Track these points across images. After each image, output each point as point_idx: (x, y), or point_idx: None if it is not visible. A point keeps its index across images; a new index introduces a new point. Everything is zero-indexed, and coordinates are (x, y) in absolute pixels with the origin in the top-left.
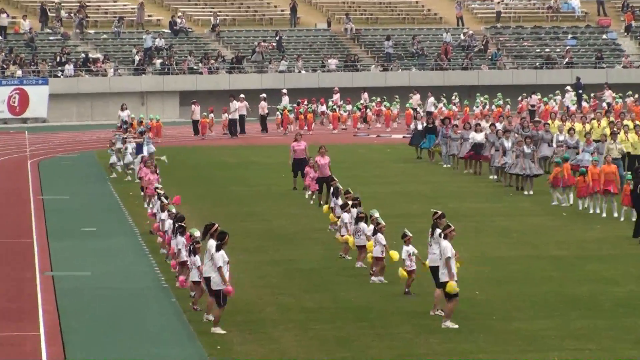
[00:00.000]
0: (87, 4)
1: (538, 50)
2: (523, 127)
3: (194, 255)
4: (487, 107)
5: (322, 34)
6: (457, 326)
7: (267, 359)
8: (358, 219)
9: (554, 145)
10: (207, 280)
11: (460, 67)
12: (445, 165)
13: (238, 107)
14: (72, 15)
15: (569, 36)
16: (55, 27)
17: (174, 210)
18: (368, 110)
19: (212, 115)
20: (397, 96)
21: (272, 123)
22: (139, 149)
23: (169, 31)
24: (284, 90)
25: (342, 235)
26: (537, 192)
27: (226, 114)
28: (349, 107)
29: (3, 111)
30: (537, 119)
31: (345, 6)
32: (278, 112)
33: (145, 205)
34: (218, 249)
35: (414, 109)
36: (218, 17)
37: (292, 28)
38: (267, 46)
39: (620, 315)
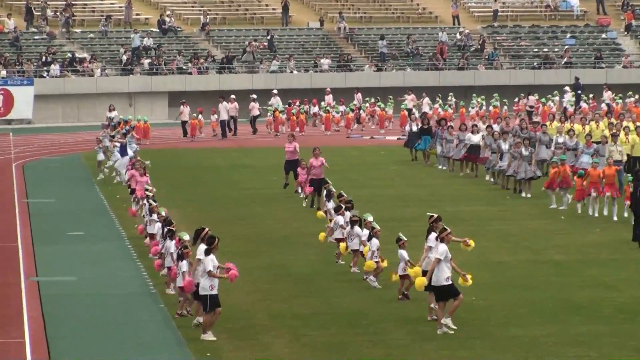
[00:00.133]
0: (74, 2)
1: (536, 49)
2: (522, 128)
3: (181, 261)
4: (484, 108)
5: (314, 33)
6: (454, 328)
7: None
8: (352, 223)
9: (552, 147)
10: (196, 285)
11: (456, 67)
12: (440, 167)
13: (229, 108)
14: (58, 14)
15: (568, 35)
16: (41, 26)
17: (163, 213)
18: (361, 111)
19: (200, 116)
20: (391, 97)
21: (263, 124)
22: (122, 150)
23: (158, 30)
24: (275, 91)
25: (337, 238)
26: (536, 195)
27: (215, 115)
28: (342, 108)
29: None
30: (535, 120)
31: (339, 5)
32: (269, 113)
33: (134, 207)
34: (207, 253)
35: (409, 110)
36: (208, 16)
37: (283, 27)
38: (258, 46)
39: (621, 321)
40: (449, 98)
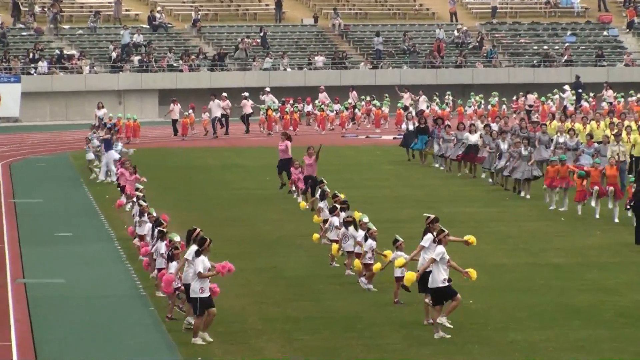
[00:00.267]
0: None
1: (535, 47)
2: (522, 127)
3: (171, 262)
4: (482, 107)
5: (308, 29)
6: (447, 336)
7: None
8: (346, 224)
9: (553, 147)
10: (187, 287)
11: (454, 65)
12: (437, 166)
13: (222, 105)
14: (46, 9)
15: (568, 33)
16: (28, 22)
17: (154, 214)
18: (357, 109)
19: (191, 111)
20: (387, 95)
21: (256, 123)
22: (107, 145)
23: (148, 26)
24: (267, 88)
25: (331, 240)
26: (535, 196)
27: (207, 114)
28: (336, 106)
29: None
30: (534, 119)
31: (333, 1)
32: (261, 112)
33: (122, 199)
34: (197, 254)
35: (405, 108)
36: (199, 12)
37: (277, 23)
38: (251, 42)
39: (622, 326)
40: (446, 97)
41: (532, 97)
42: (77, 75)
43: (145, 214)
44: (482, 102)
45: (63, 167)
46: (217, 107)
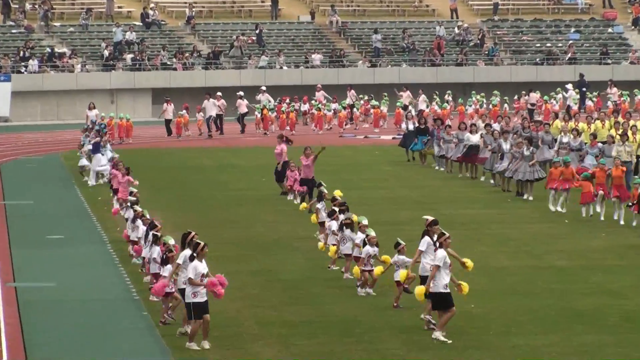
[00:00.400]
0: None
1: (538, 45)
2: (524, 127)
3: (165, 265)
4: (485, 106)
5: (305, 27)
6: (449, 341)
7: None
8: (344, 226)
9: (556, 147)
10: (182, 291)
11: (455, 63)
12: (437, 168)
13: (218, 104)
14: (37, 6)
15: (572, 30)
16: (19, 20)
17: (148, 216)
18: (355, 109)
19: (184, 111)
20: (385, 94)
21: (252, 122)
22: (95, 148)
23: (141, 24)
24: (263, 87)
25: (331, 244)
26: (537, 197)
27: (201, 114)
28: (334, 105)
29: None
30: (537, 118)
31: None
32: (257, 111)
33: (115, 204)
34: (192, 259)
35: (404, 107)
36: (193, 9)
37: (273, 21)
38: (247, 40)
39: (627, 331)
40: (446, 96)
41: (534, 96)
42: (68, 73)
43: (139, 219)
44: (484, 100)
45: (54, 168)
46: (212, 107)
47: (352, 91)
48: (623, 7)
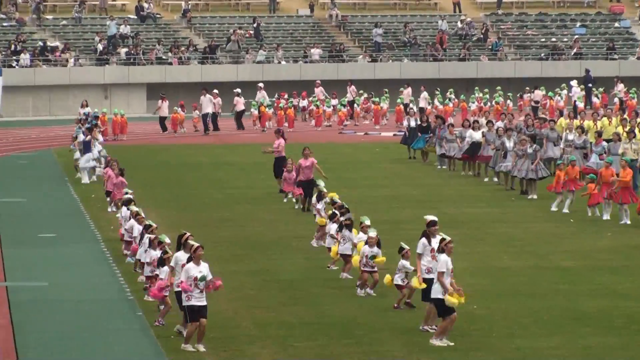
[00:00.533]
0: None
1: (543, 39)
2: (527, 125)
3: (162, 267)
4: (489, 103)
5: (304, 20)
6: (451, 343)
7: None
8: (345, 226)
9: (562, 144)
10: (179, 294)
11: (457, 58)
12: (439, 167)
13: (214, 101)
14: None
15: (578, 24)
16: (10, 12)
17: (142, 215)
18: (355, 105)
19: (179, 109)
20: (386, 90)
21: (249, 119)
22: (86, 147)
23: (135, 17)
24: (260, 85)
25: (328, 247)
26: (542, 196)
27: (197, 111)
28: (334, 101)
29: None
30: (542, 115)
31: None
32: (252, 109)
33: (110, 210)
34: (188, 260)
35: (406, 105)
36: (189, 2)
37: (271, 14)
38: (244, 34)
39: (634, 333)
40: (448, 93)
41: (539, 93)
42: (61, 68)
43: (133, 219)
44: (488, 97)
45: (47, 165)
46: (208, 102)
47: (353, 87)
48: (630, 0)
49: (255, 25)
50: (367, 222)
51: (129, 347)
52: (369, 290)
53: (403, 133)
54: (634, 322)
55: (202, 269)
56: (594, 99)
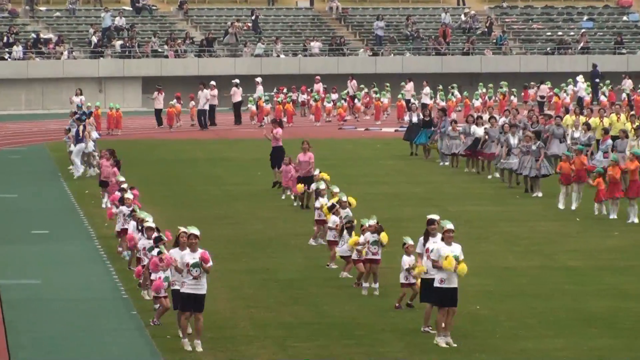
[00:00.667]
0: None
1: (549, 33)
2: (532, 122)
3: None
4: (493, 98)
5: (303, 13)
6: (454, 344)
7: None
8: (345, 229)
9: (568, 141)
10: (177, 293)
11: (461, 52)
12: (441, 163)
13: (210, 96)
14: None
15: (585, 17)
16: (2, 4)
17: (137, 211)
18: (356, 100)
19: (175, 101)
20: (387, 84)
21: (247, 114)
22: (77, 137)
23: (131, 9)
24: (258, 79)
25: (329, 240)
26: (548, 194)
27: (192, 102)
28: (334, 96)
29: None
30: (547, 111)
31: None
32: (250, 104)
33: (104, 206)
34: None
35: (407, 100)
36: None
37: (270, 6)
38: (242, 27)
39: None
40: (450, 88)
41: (545, 88)
42: (54, 60)
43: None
44: (493, 93)
45: (40, 160)
46: (204, 98)
47: (354, 81)
48: None
49: (253, 17)
50: (372, 222)
51: (124, 346)
52: (374, 285)
53: (405, 129)
54: None
55: (197, 257)
56: (602, 97)
